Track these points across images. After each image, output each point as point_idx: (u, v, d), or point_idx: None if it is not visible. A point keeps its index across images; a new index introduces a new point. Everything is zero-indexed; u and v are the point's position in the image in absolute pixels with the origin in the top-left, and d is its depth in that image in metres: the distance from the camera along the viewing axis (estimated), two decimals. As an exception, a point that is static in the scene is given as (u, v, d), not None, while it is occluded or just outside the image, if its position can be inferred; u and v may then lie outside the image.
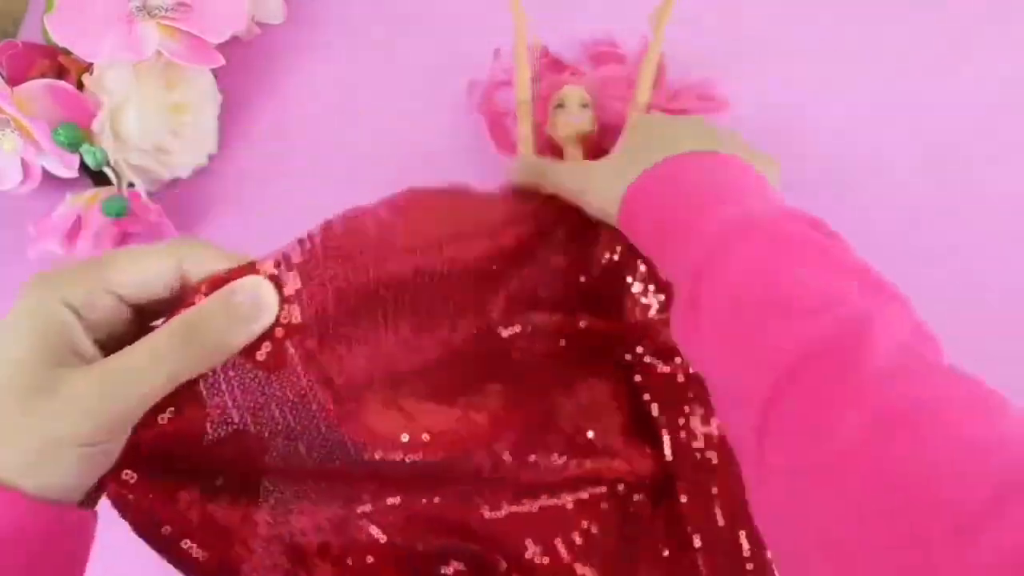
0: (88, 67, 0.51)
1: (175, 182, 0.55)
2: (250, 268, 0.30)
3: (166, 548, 0.30)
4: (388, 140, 0.56)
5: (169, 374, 0.27)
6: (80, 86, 0.51)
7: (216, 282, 0.29)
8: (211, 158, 0.55)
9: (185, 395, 0.29)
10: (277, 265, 0.30)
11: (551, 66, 0.56)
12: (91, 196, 0.50)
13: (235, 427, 0.30)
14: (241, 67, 0.58)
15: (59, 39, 0.49)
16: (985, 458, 0.22)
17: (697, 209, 0.33)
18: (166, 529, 0.30)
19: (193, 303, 0.28)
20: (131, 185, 0.51)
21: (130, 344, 0.27)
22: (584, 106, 0.51)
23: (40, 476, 0.25)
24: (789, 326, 0.27)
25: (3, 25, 0.59)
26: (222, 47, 0.52)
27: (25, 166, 0.50)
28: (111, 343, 0.28)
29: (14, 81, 0.49)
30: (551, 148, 0.51)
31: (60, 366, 0.26)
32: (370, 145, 0.55)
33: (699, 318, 0.30)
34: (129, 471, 0.29)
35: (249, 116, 0.57)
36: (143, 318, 0.30)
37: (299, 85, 0.59)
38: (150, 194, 0.52)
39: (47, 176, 0.51)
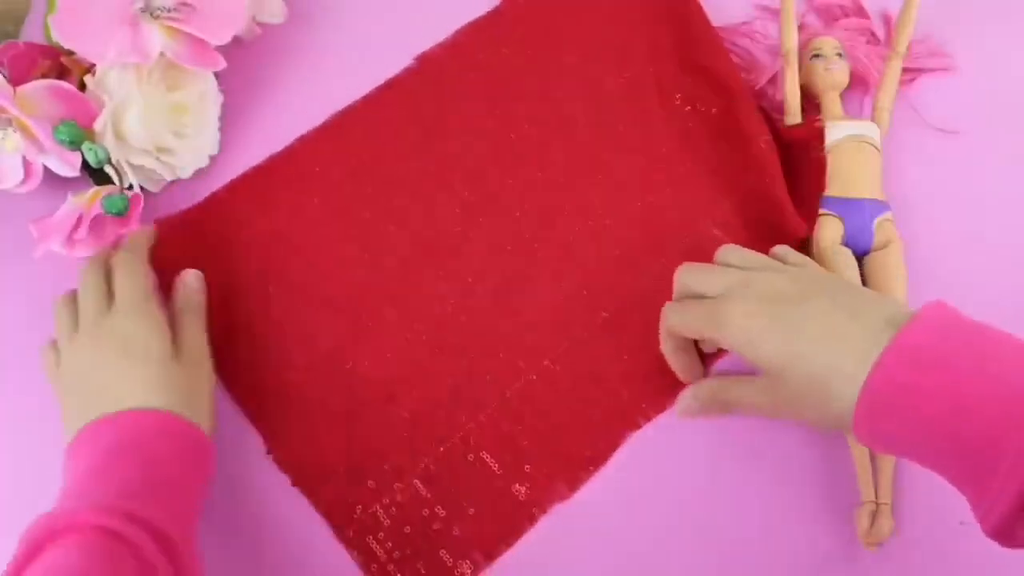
0: (90, 68, 0.51)
1: (176, 182, 0.55)
2: None
3: None
4: (388, 141, 0.56)
5: None
6: (82, 86, 0.51)
7: None
8: (212, 158, 0.56)
9: None
10: None
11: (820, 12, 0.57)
12: (92, 194, 0.51)
13: None
14: (242, 67, 0.58)
15: (63, 40, 0.49)
16: None
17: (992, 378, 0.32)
18: None
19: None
20: (130, 187, 0.51)
21: None
22: (839, 55, 0.51)
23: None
24: None
25: (5, 25, 0.59)
26: (222, 47, 0.52)
27: (26, 165, 0.50)
28: None
29: (16, 81, 0.49)
30: (805, 99, 0.52)
31: None
32: (370, 145, 0.56)
33: None
34: None
35: (250, 116, 0.58)
36: None
37: (299, 85, 0.59)
38: (152, 194, 0.52)
39: (48, 175, 0.51)
